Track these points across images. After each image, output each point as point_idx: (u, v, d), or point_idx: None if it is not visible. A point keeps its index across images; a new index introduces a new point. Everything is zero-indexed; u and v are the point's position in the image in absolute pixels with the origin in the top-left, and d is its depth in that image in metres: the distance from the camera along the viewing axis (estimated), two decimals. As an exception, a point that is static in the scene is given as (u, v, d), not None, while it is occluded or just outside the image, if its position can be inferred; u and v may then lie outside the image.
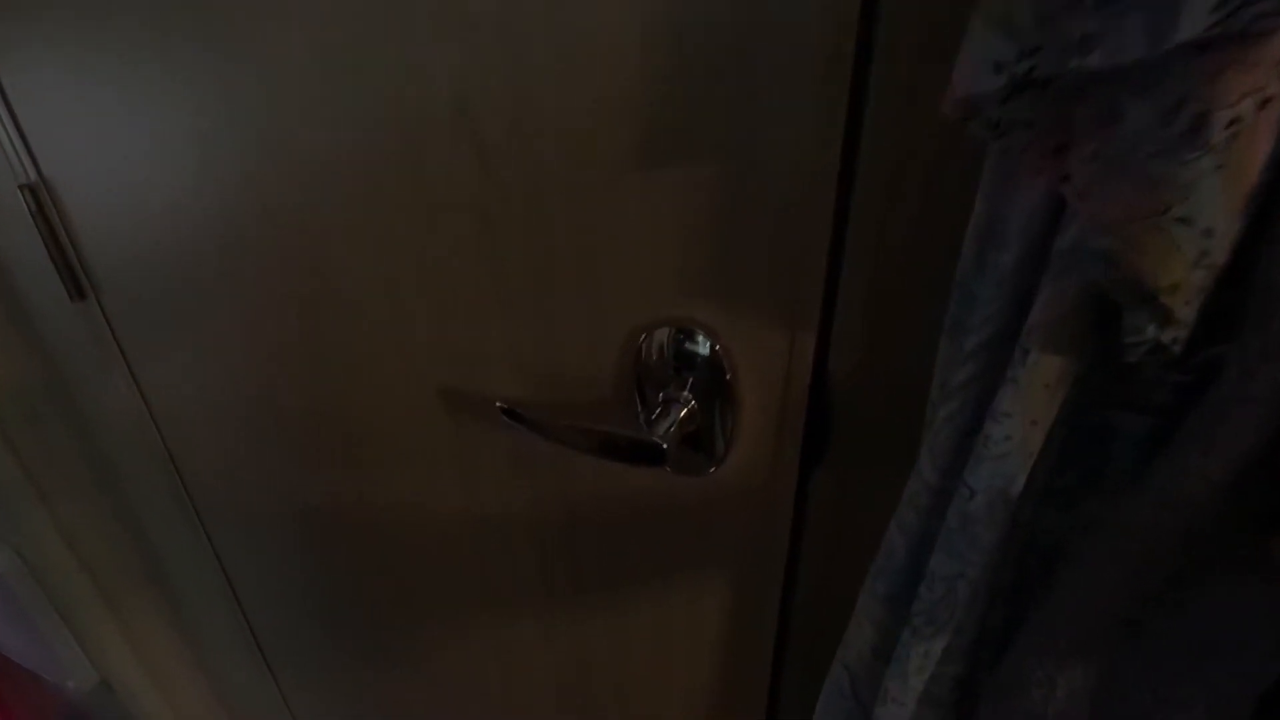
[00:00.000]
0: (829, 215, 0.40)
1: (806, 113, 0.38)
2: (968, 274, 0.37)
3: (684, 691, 0.66)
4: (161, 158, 0.58)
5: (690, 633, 0.61)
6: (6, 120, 0.65)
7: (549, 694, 0.75)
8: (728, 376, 0.46)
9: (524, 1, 0.40)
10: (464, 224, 0.49)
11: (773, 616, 0.56)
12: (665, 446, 0.43)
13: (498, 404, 0.50)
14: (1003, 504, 0.38)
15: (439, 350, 0.57)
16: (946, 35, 0.33)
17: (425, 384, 0.59)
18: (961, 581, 0.42)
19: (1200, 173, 0.25)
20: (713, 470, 0.50)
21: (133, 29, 0.53)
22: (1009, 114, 0.29)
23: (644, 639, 0.64)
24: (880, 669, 0.49)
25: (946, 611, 0.43)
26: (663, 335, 0.47)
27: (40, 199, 0.68)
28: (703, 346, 0.46)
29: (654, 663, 0.65)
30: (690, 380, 0.48)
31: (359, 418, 0.65)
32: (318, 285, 0.58)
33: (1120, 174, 0.27)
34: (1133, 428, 0.36)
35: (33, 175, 0.67)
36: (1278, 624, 0.34)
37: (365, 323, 0.58)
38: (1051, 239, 0.33)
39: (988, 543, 0.40)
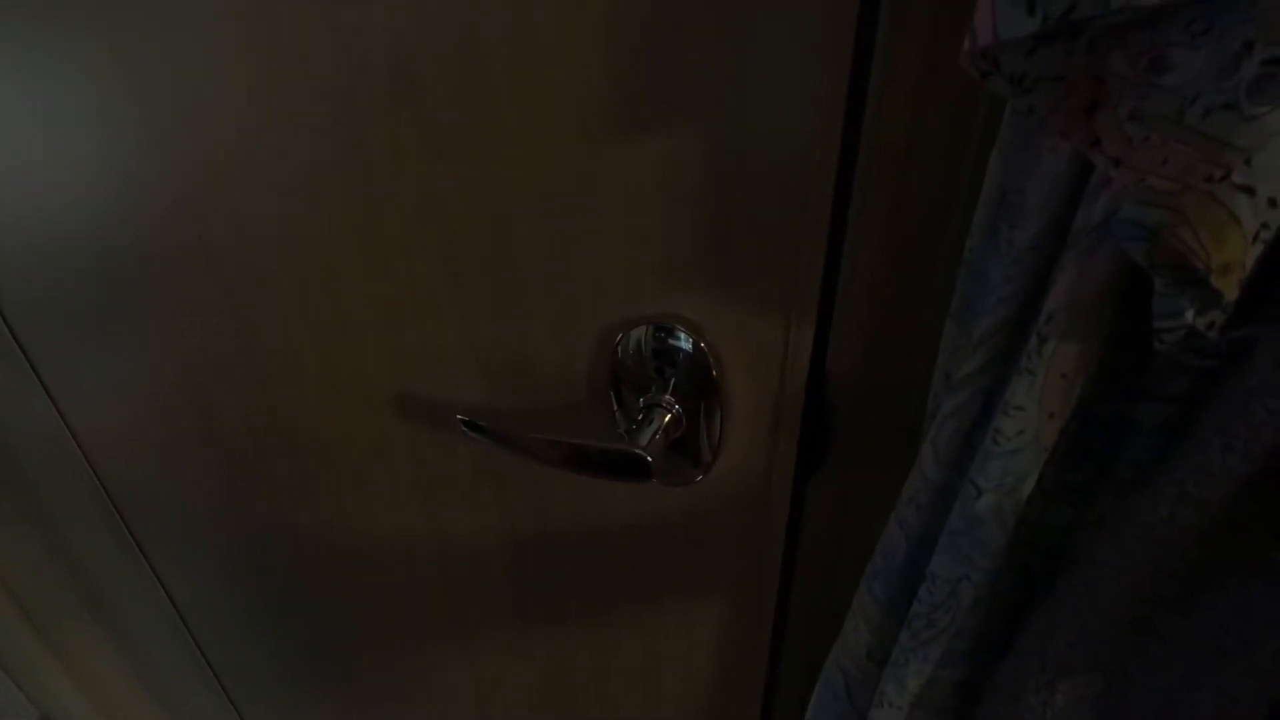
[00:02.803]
0: (828, 193, 0.36)
1: (804, 74, 0.33)
2: (978, 253, 0.33)
3: (672, 710, 0.62)
4: (57, 142, 0.50)
5: (678, 653, 0.57)
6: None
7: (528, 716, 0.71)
8: (715, 376, 0.42)
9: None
10: (411, 211, 0.44)
11: (766, 634, 0.53)
12: (650, 459, 0.39)
13: (458, 416, 0.45)
14: (1012, 504, 0.36)
15: (390, 355, 0.51)
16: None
17: (377, 393, 0.54)
18: (965, 584, 0.39)
19: (1268, 132, 0.22)
20: (700, 479, 0.46)
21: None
22: (1036, 67, 0.25)
23: (628, 664, 0.60)
24: (875, 672, 0.46)
25: (947, 615, 0.40)
26: (641, 333, 0.43)
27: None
28: (686, 344, 0.42)
29: (639, 688, 0.61)
30: (673, 382, 0.44)
31: (305, 431, 0.59)
32: (249, 285, 0.52)
33: (1167, 134, 0.24)
34: (1149, 418, 0.33)
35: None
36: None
37: (305, 325, 0.52)
38: (1075, 213, 0.29)
39: (994, 544, 0.37)
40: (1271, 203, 0.23)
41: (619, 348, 0.44)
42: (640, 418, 0.43)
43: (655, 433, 0.41)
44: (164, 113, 0.46)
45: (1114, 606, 0.34)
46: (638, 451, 0.39)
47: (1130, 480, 0.34)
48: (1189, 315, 0.25)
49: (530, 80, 0.37)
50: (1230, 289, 0.25)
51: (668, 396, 0.43)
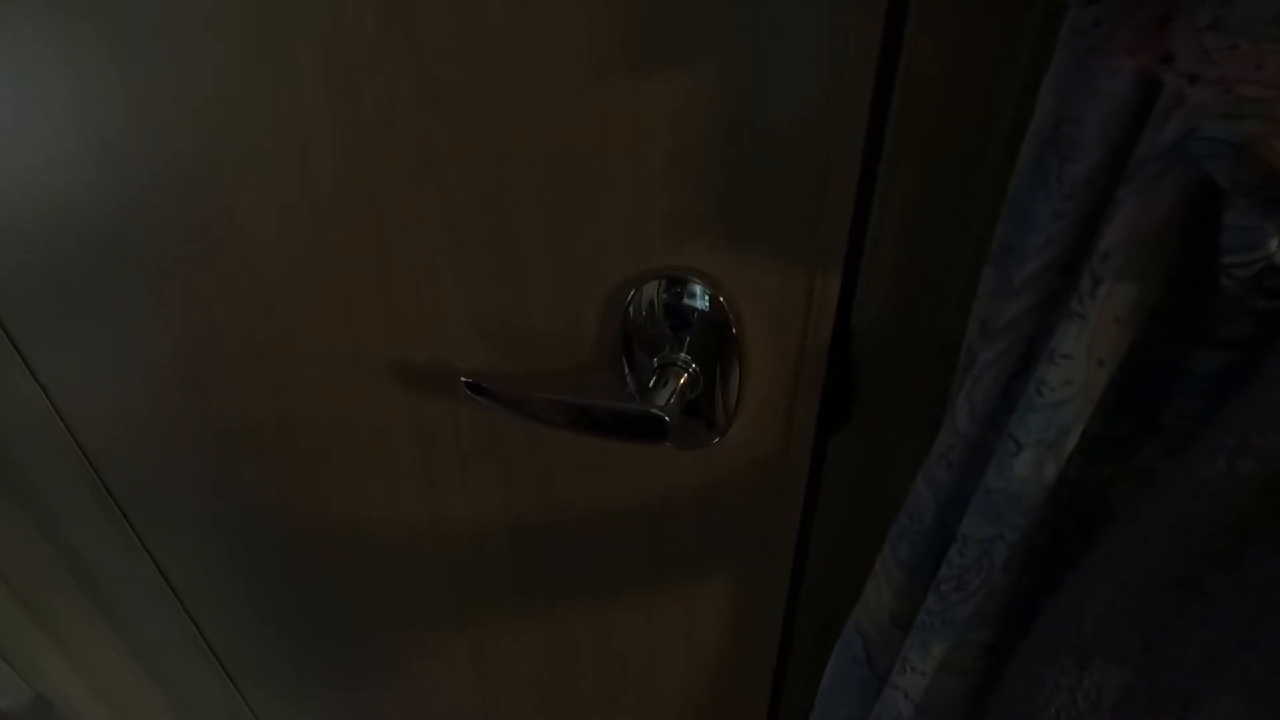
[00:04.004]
0: (860, 133, 0.33)
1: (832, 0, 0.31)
2: (1025, 189, 0.31)
3: (680, 682, 0.61)
4: (32, 112, 0.47)
5: (686, 624, 0.56)
6: None
7: (530, 697, 0.70)
8: (734, 332, 0.40)
9: None
10: (407, 166, 0.41)
11: (780, 603, 0.51)
12: (668, 419, 0.37)
13: (462, 379, 0.43)
14: (1053, 459, 0.34)
15: (387, 322, 0.48)
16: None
17: (373, 363, 0.51)
18: (999, 544, 0.37)
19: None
20: (716, 442, 0.44)
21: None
22: (1107, -26, 0.23)
23: (634, 638, 0.58)
24: (899, 636, 0.45)
25: (979, 577, 0.39)
26: (653, 289, 0.40)
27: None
28: (702, 299, 0.40)
29: (646, 660, 0.60)
30: (688, 340, 0.41)
31: (299, 405, 0.57)
32: (236, 252, 0.49)
33: (1259, 38, 0.21)
34: (1203, 366, 0.32)
35: None
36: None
37: (296, 293, 0.49)
38: (1135, 142, 0.27)
39: (1032, 502, 0.35)
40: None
41: (630, 306, 0.41)
42: (654, 379, 0.41)
43: (672, 393, 0.39)
44: (142, 66, 0.42)
45: (1158, 564, 0.32)
46: (654, 411, 0.37)
47: (1179, 432, 0.32)
48: (1273, 244, 0.23)
49: (532, 20, 0.34)
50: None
51: (683, 355, 0.41)
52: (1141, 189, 0.26)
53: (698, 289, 0.40)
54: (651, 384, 0.40)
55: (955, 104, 0.32)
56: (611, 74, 0.35)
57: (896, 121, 0.33)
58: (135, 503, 0.79)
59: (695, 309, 0.40)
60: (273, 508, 0.69)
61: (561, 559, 0.56)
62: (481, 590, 0.64)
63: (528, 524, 0.55)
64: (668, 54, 0.33)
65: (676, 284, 0.40)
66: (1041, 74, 0.28)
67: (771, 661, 0.57)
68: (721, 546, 0.51)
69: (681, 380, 0.40)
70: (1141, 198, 0.26)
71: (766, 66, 0.33)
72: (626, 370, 0.44)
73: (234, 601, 0.86)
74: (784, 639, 0.56)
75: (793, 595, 0.53)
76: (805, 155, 0.35)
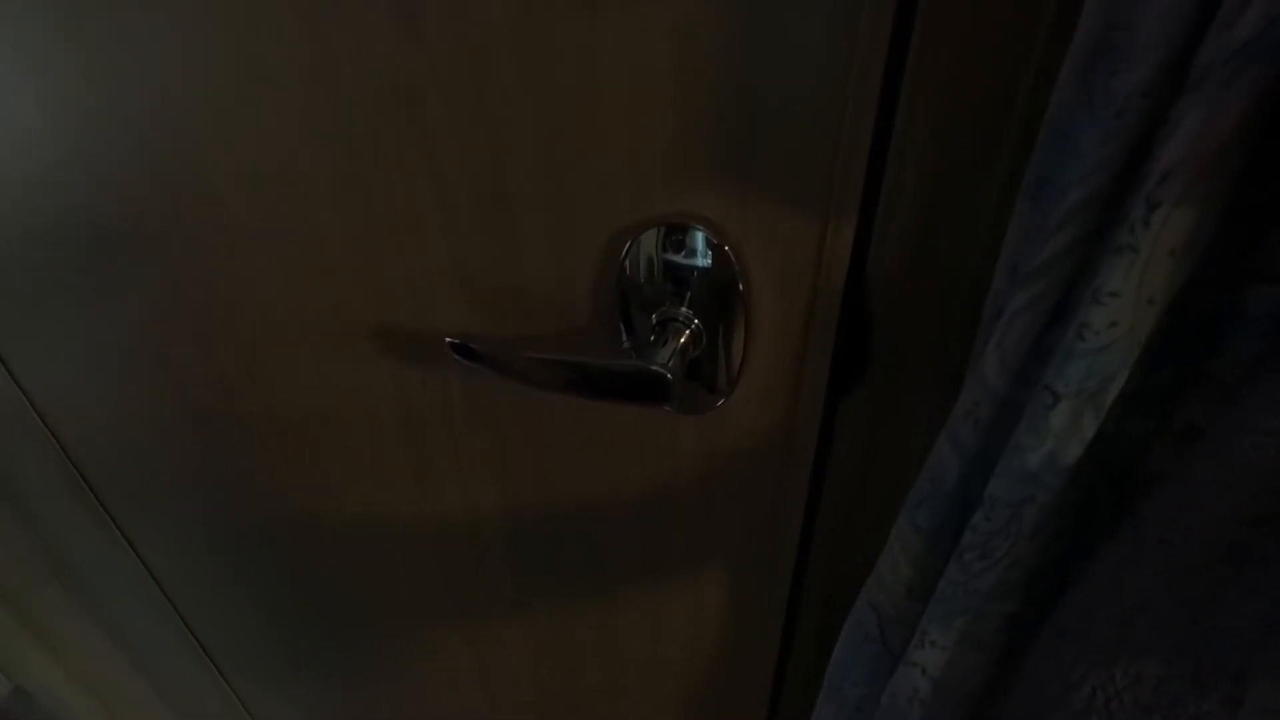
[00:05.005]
0: (879, 61, 0.30)
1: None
2: (1066, 109, 0.28)
3: (680, 670, 0.58)
4: None
5: (686, 605, 0.53)
6: None
7: (529, 686, 0.67)
8: (739, 285, 0.37)
9: None
10: (384, 110, 0.37)
11: (785, 581, 0.48)
12: (669, 377, 0.34)
13: (447, 340, 0.39)
14: (1093, 412, 0.31)
15: (368, 283, 0.45)
16: None
17: (355, 330, 0.48)
18: (1029, 507, 0.35)
19: None
20: (719, 405, 0.41)
21: None
22: None
23: (634, 620, 0.56)
24: (916, 610, 0.42)
25: (1006, 543, 0.36)
26: (652, 238, 0.37)
27: None
28: (705, 249, 0.37)
29: (646, 648, 0.57)
30: (689, 294, 0.38)
31: (281, 383, 0.54)
32: (202, 214, 0.45)
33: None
34: (1260, 307, 0.29)
35: None
36: None
37: (269, 257, 0.46)
38: (1197, 47, 0.24)
39: (1067, 461, 0.32)
40: None
41: (627, 257, 0.38)
42: (654, 337, 0.38)
43: (673, 351, 0.36)
44: (97, 25, 0.38)
45: (1209, 529, 0.30)
46: (655, 369, 0.34)
47: (1231, 381, 0.29)
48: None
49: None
50: None
51: (684, 310, 0.38)
52: (1208, 98, 0.23)
53: (700, 238, 0.36)
54: (652, 341, 0.37)
55: (984, 20, 0.29)
56: (605, -5, 0.31)
57: (919, 46, 0.30)
58: (113, 492, 0.76)
59: (698, 259, 0.37)
60: (257, 496, 0.66)
61: (560, 536, 0.54)
62: (477, 576, 0.61)
63: (522, 496, 0.52)
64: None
65: (678, 233, 0.37)
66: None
67: (775, 644, 0.54)
68: (723, 517, 0.48)
69: (683, 337, 0.37)
70: (1210, 106, 0.23)
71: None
72: (623, 328, 0.41)
73: (220, 593, 0.83)
74: (789, 614, 0.53)
75: (798, 570, 0.50)
76: (819, 86, 0.31)
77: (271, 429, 0.58)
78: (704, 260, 0.37)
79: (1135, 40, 0.25)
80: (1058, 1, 0.28)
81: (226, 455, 0.63)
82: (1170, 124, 0.25)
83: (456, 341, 0.39)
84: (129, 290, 0.52)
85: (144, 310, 0.53)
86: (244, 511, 0.68)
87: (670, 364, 0.35)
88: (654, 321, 0.38)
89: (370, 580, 0.69)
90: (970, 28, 0.29)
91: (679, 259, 0.37)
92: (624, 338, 0.41)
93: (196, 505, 0.71)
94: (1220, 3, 0.23)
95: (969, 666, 0.42)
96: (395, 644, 0.75)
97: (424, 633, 0.72)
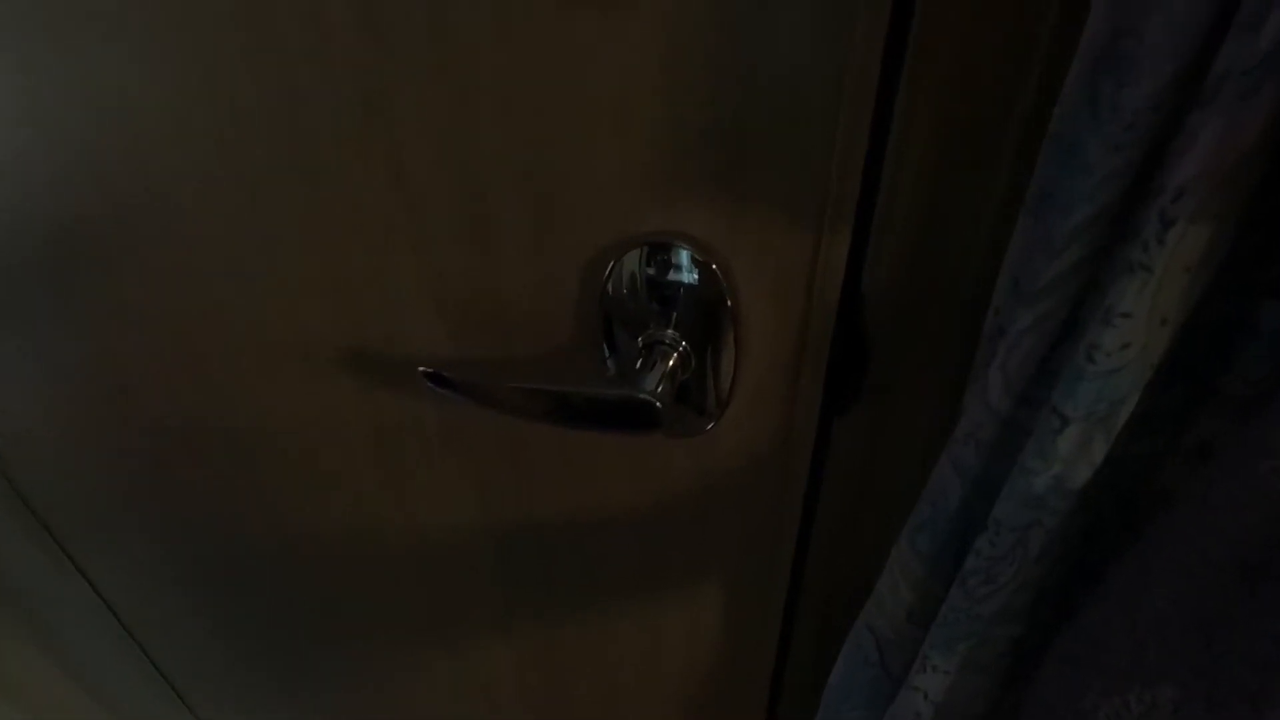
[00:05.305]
0: (874, 67, 0.28)
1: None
2: (1071, 121, 0.26)
3: (675, 694, 0.57)
4: None
5: (683, 629, 0.51)
6: None
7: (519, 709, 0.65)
8: (728, 304, 0.35)
9: None
10: (349, 116, 0.35)
11: (779, 601, 0.47)
12: (658, 405, 0.32)
13: (420, 369, 0.37)
14: (1103, 435, 0.30)
15: (332, 301, 0.42)
16: None
17: (319, 350, 0.45)
18: (1035, 531, 0.33)
19: None
20: (710, 428, 0.39)
21: None
22: None
23: (626, 643, 0.54)
24: (917, 635, 0.41)
25: (1011, 567, 0.35)
26: (636, 258, 0.35)
27: None
28: (692, 268, 0.35)
29: (638, 667, 0.55)
30: (675, 315, 0.36)
31: (239, 401, 0.50)
32: (149, 228, 0.42)
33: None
34: (1274, 321, 0.28)
35: None
36: None
37: (223, 271, 0.43)
38: (1212, 58, 0.23)
39: (1075, 484, 0.31)
40: None
41: (610, 278, 0.36)
42: (640, 361, 0.36)
43: (662, 376, 0.34)
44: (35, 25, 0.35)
45: (1224, 551, 0.29)
46: (644, 397, 0.32)
47: (1244, 399, 0.28)
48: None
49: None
50: None
51: (671, 332, 0.36)
52: (1225, 110, 0.22)
53: (687, 256, 0.35)
54: (638, 366, 0.35)
55: (985, 23, 0.27)
56: (588, 1, 0.29)
57: (916, 51, 0.28)
58: (60, 518, 0.72)
59: (685, 278, 0.35)
60: (219, 519, 0.62)
61: (545, 564, 0.51)
62: (456, 594, 0.58)
63: (505, 523, 0.50)
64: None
65: (663, 251, 0.35)
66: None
67: (770, 663, 0.53)
68: (715, 541, 0.47)
69: (671, 361, 0.35)
70: (1226, 121, 0.22)
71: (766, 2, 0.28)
72: (607, 351, 0.39)
73: (179, 621, 0.79)
74: (784, 633, 0.52)
75: (793, 589, 0.48)
76: (812, 95, 0.30)
77: (227, 450, 0.55)
78: (691, 278, 0.35)
79: (1143, 51, 0.23)
80: (1060, 7, 0.26)
81: (179, 476, 0.59)
82: (1183, 137, 0.24)
83: (430, 371, 0.37)
84: (79, 307, 0.48)
85: (95, 328, 0.49)
86: (203, 535, 0.65)
87: (659, 390, 0.33)
88: (640, 344, 0.36)
89: (344, 604, 0.66)
90: (968, 34, 0.27)
91: (665, 277, 0.36)
92: (608, 360, 0.39)
93: (151, 529, 0.67)
94: (1234, 11, 0.22)
95: (972, 691, 0.41)
96: (373, 669, 0.72)
97: (405, 656, 0.69)
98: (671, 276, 0.35)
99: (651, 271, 0.36)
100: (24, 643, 0.94)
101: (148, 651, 0.88)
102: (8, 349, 0.54)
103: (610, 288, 0.36)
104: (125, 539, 0.70)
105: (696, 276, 0.35)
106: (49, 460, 0.65)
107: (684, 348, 0.36)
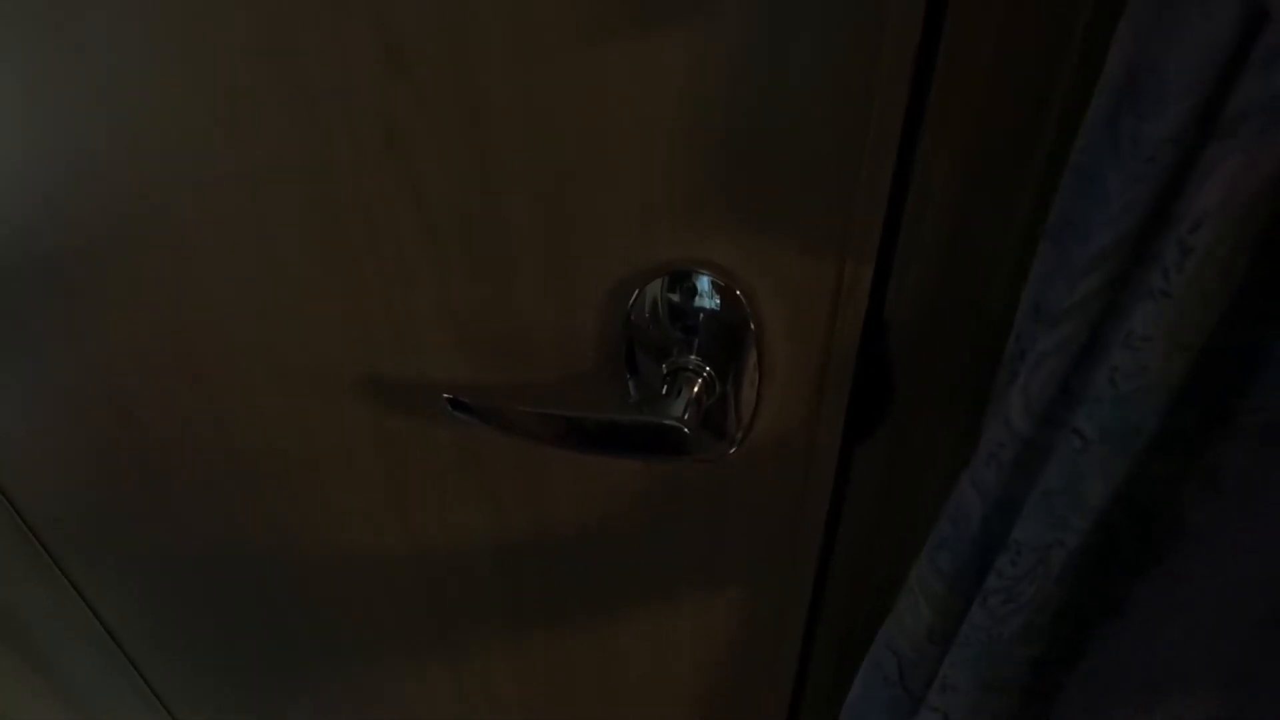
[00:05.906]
0: (900, 96, 0.29)
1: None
2: (1093, 152, 0.27)
3: (690, 712, 0.56)
4: None
5: (699, 653, 0.51)
6: None
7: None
8: (752, 330, 0.35)
9: None
10: (369, 144, 0.35)
11: (799, 624, 0.47)
12: (686, 431, 0.32)
13: (444, 396, 0.37)
14: (1122, 455, 0.30)
15: (349, 328, 0.42)
16: None
17: (334, 376, 0.45)
18: (1056, 551, 0.34)
19: None
20: (731, 452, 0.40)
21: None
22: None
23: (638, 670, 0.54)
24: (937, 654, 0.41)
25: (1032, 587, 0.35)
26: (658, 286, 0.36)
27: None
28: (715, 295, 0.35)
29: (651, 693, 0.55)
30: (697, 341, 0.37)
31: (247, 426, 0.50)
32: (159, 249, 0.42)
33: None
34: (1287, 346, 0.28)
35: None
36: None
37: (237, 298, 0.43)
38: (1231, 89, 0.24)
39: (1097, 503, 0.32)
40: None
41: (634, 305, 0.36)
42: (665, 387, 0.36)
43: (688, 402, 0.34)
44: (41, 40, 0.35)
45: (1244, 590, 0.29)
46: (671, 423, 0.32)
47: (1257, 426, 0.29)
48: None
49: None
50: None
51: (694, 358, 0.36)
52: (1244, 144, 0.23)
53: (710, 283, 0.35)
54: (664, 391, 0.35)
55: (1009, 55, 0.28)
56: (609, 30, 0.30)
57: (941, 81, 0.29)
58: (60, 540, 0.70)
59: (708, 305, 0.36)
60: (222, 542, 0.61)
61: (558, 586, 0.51)
62: (468, 621, 0.58)
63: (519, 548, 0.50)
64: (675, 6, 0.29)
65: (686, 278, 0.35)
66: (1115, 15, 0.25)
67: (789, 684, 0.52)
68: (733, 567, 0.47)
69: (696, 386, 0.36)
70: (1245, 154, 0.23)
71: (791, 18, 0.28)
72: (629, 378, 0.39)
73: (180, 645, 0.78)
74: (803, 653, 0.52)
75: (813, 610, 0.48)
76: (836, 123, 0.30)
77: (235, 475, 0.54)
78: (714, 304, 0.36)
79: (1164, 86, 0.24)
80: (1082, 40, 0.27)
81: (186, 501, 0.59)
82: (1202, 169, 0.24)
83: (454, 397, 0.37)
84: (72, 319, 0.48)
85: (89, 341, 0.49)
86: (208, 558, 0.64)
87: (686, 417, 0.34)
88: (664, 370, 0.37)
89: (349, 628, 0.65)
90: (993, 65, 0.28)
91: (689, 304, 0.36)
92: (630, 386, 0.39)
93: (154, 552, 0.67)
94: (1250, 46, 0.23)
95: (992, 711, 0.41)
96: (380, 694, 0.71)
97: (406, 679, 0.68)
98: (695, 303, 0.36)
99: (675, 298, 0.36)
100: (20, 670, 0.92)
101: (146, 679, 0.86)
102: (10, 373, 0.54)
103: (634, 314, 0.37)
104: (126, 563, 0.69)
105: (719, 303, 0.36)
106: (52, 486, 0.64)
107: (708, 374, 0.36)
